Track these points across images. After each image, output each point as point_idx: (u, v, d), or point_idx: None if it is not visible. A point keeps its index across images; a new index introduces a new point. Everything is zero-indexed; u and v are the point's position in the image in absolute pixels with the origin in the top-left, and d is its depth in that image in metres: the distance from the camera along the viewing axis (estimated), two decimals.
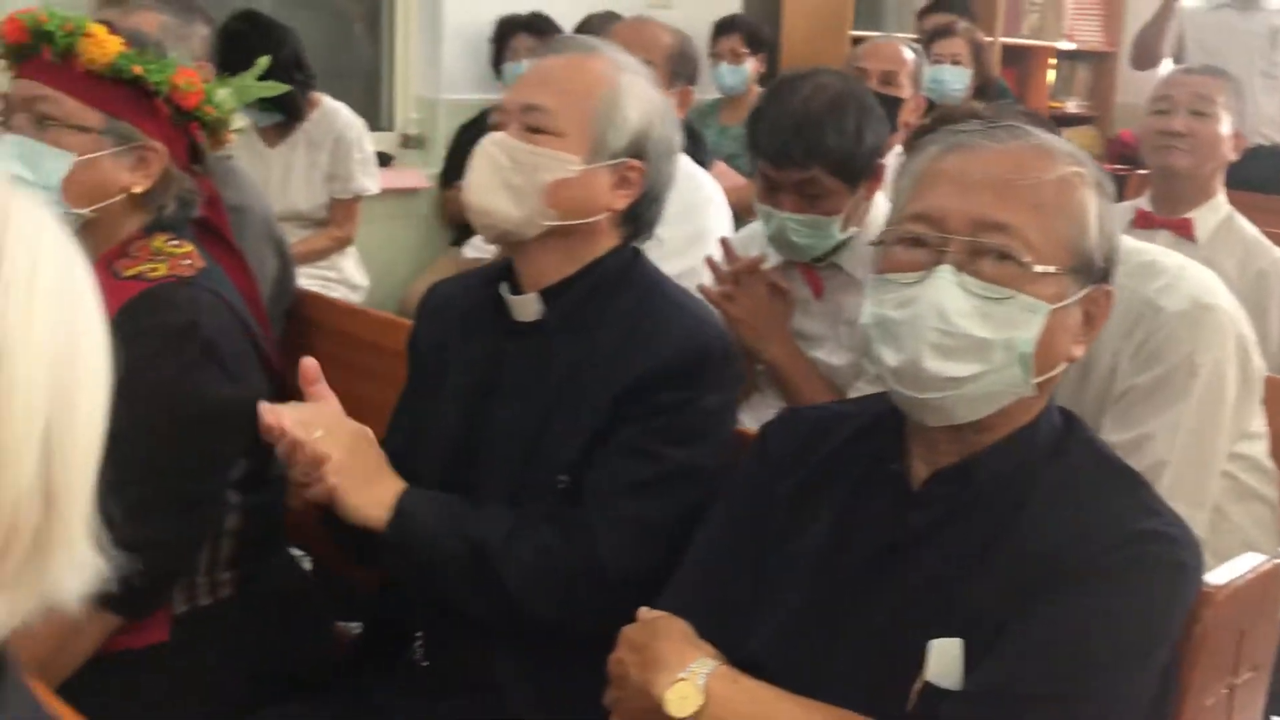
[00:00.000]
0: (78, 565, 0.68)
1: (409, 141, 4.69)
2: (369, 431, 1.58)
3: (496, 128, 1.64)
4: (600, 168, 1.60)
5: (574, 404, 1.58)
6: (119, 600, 1.52)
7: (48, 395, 0.63)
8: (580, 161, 1.59)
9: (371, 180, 3.86)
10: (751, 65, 4.58)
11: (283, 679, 1.75)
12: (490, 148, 1.61)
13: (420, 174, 4.58)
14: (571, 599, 1.51)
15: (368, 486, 1.53)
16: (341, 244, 3.85)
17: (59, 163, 1.58)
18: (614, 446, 1.55)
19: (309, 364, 1.56)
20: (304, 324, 2.41)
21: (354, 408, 1.59)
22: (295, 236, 3.43)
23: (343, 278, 3.82)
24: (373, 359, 2.15)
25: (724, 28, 4.69)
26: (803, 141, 2.05)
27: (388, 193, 4.10)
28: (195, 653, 1.68)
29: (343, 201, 3.82)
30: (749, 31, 4.67)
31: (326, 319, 2.42)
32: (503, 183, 1.59)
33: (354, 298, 3.76)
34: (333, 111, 3.81)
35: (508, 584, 1.51)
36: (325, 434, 1.50)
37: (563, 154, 1.59)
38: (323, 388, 1.57)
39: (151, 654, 1.65)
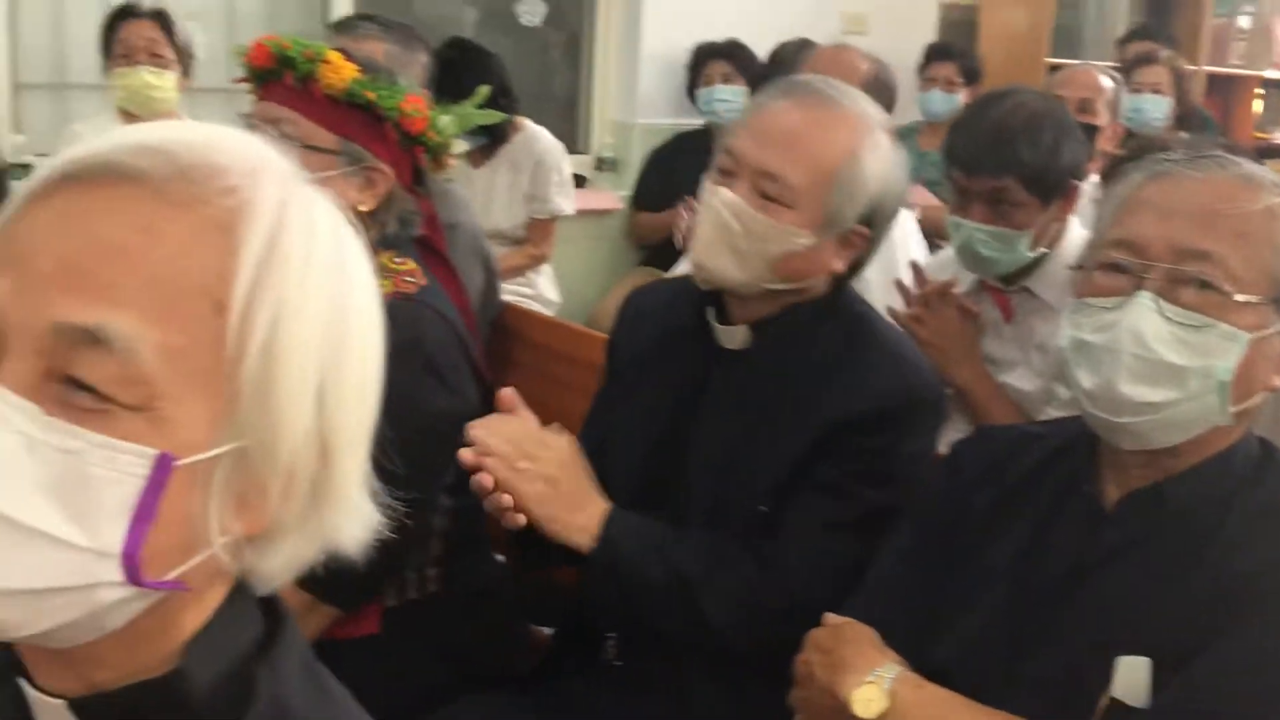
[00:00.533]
0: (354, 513, 0.76)
1: (603, 164, 4.82)
2: (575, 449, 1.61)
3: (724, 172, 1.62)
4: (830, 239, 1.60)
5: (775, 432, 1.60)
6: (337, 593, 1.65)
7: (320, 356, 0.70)
8: (811, 235, 1.58)
9: (568, 201, 3.99)
10: (964, 95, 4.55)
11: (482, 672, 1.84)
12: (721, 209, 1.58)
13: (613, 196, 4.70)
14: (766, 633, 1.53)
15: (573, 512, 1.57)
16: (538, 261, 3.99)
17: None
18: (813, 482, 1.57)
19: (507, 394, 1.61)
20: (506, 334, 2.52)
21: (549, 416, 1.64)
22: (496, 253, 3.57)
23: (537, 293, 3.95)
24: (567, 369, 2.23)
25: (938, 55, 4.68)
26: (997, 151, 2.05)
27: (582, 213, 4.23)
28: (403, 644, 1.79)
29: (540, 221, 3.96)
30: (965, 62, 4.66)
31: (526, 330, 2.52)
32: (729, 245, 1.58)
33: (547, 313, 3.89)
34: (534, 135, 3.96)
35: (707, 615, 1.55)
36: (530, 463, 1.55)
37: (795, 229, 1.57)
38: (522, 414, 1.61)
39: (363, 644, 1.75)
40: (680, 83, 4.59)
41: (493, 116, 1.98)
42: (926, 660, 1.32)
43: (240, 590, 0.76)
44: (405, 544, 1.74)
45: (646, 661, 1.68)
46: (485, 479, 1.53)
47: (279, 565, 0.74)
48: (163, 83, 3.39)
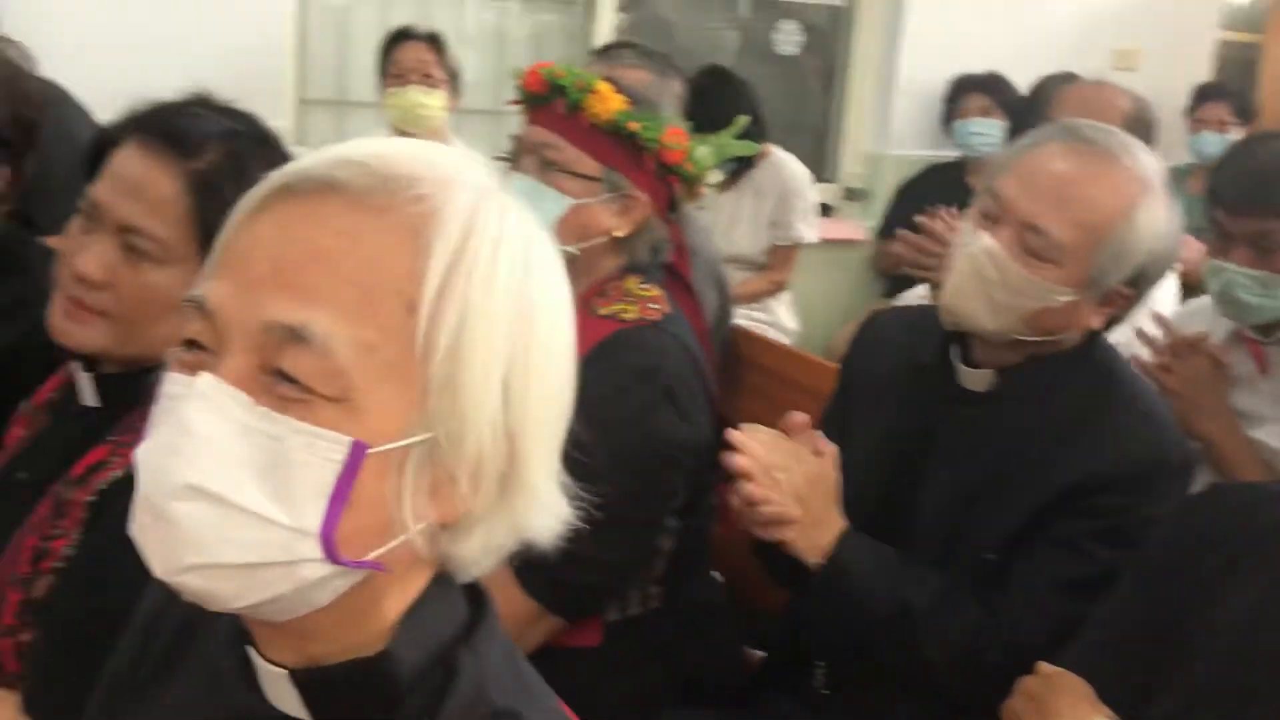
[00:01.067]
0: (543, 506, 0.80)
1: (852, 194, 4.80)
2: (827, 469, 1.61)
3: (987, 217, 1.59)
4: (1091, 297, 1.57)
5: (1013, 481, 1.57)
6: (564, 605, 1.71)
7: (505, 354, 0.75)
8: (1073, 294, 1.55)
9: (811, 229, 4.00)
10: (1236, 134, 4.33)
11: (695, 687, 1.87)
12: (981, 257, 1.56)
13: (859, 226, 4.67)
14: (981, 679, 1.51)
15: (811, 530, 1.57)
16: (777, 288, 4.01)
17: (556, 204, 1.74)
18: (1048, 537, 1.54)
19: (798, 418, 1.61)
20: (736, 358, 2.55)
21: None
22: (735, 278, 3.60)
23: (774, 320, 3.97)
24: (798, 396, 2.23)
25: (1210, 94, 4.48)
26: (1264, 191, 1.96)
27: (826, 242, 4.23)
28: (622, 656, 1.83)
29: (782, 248, 3.98)
30: (1238, 101, 4.44)
31: (756, 355, 2.55)
32: (985, 294, 1.56)
33: (783, 341, 3.90)
34: (781, 162, 3.99)
35: (927, 652, 1.55)
36: (784, 474, 1.56)
37: (1056, 286, 1.54)
38: (808, 437, 1.61)
39: (585, 654, 1.80)
40: (935, 114, 4.53)
41: (749, 148, 2.00)
42: (1140, 718, 1.28)
43: (444, 578, 0.82)
44: (633, 563, 1.79)
45: (854, 693, 1.68)
46: (755, 490, 1.54)
47: (475, 553, 0.80)
48: (432, 101, 3.58)
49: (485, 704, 0.79)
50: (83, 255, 1.33)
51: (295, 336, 0.72)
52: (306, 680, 0.79)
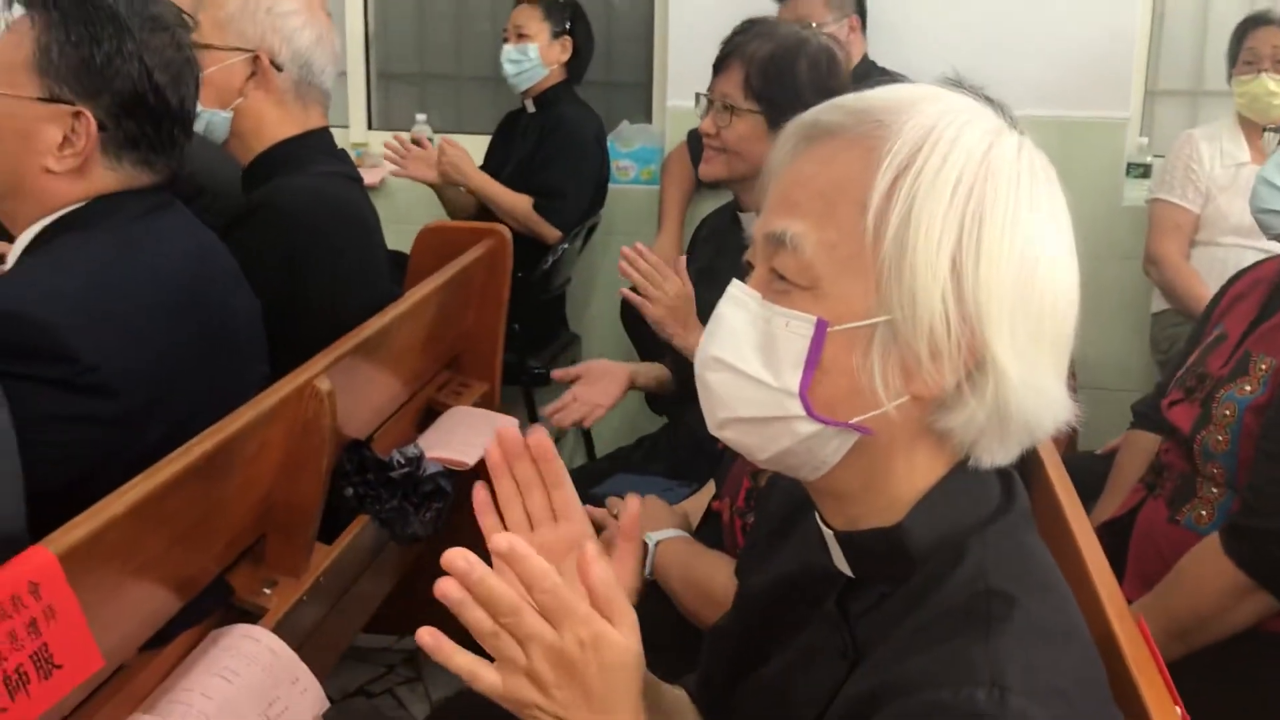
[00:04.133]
0: (1035, 399, 0.91)
1: None
2: None
3: None
4: None
5: None
6: (1276, 579, 1.65)
7: (952, 242, 0.88)
8: None
9: None
10: None
11: None
12: None
13: None
14: None
15: None
16: None
17: None
18: None
19: None
20: None
21: None
22: None
23: None
24: None
25: None
26: None
27: None
28: None
29: None
30: None
31: None
32: None
33: None
34: None
35: None
36: None
37: None
38: None
39: None
40: None
41: None
42: None
43: (968, 468, 0.94)
44: None
45: None
46: None
47: (971, 435, 0.92)
48: None
49: (982, 583, 0.89)
50: None
51: (779, 241, 0.93)
52: (846, 540, 0.97)
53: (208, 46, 2.03)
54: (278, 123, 2.14)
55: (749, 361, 0.93)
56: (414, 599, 2.48)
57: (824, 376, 0.91)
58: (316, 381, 1.72)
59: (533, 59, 3.71)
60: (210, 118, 2.09)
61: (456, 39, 4.34)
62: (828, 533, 0.99)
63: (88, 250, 1.54)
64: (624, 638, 0.91)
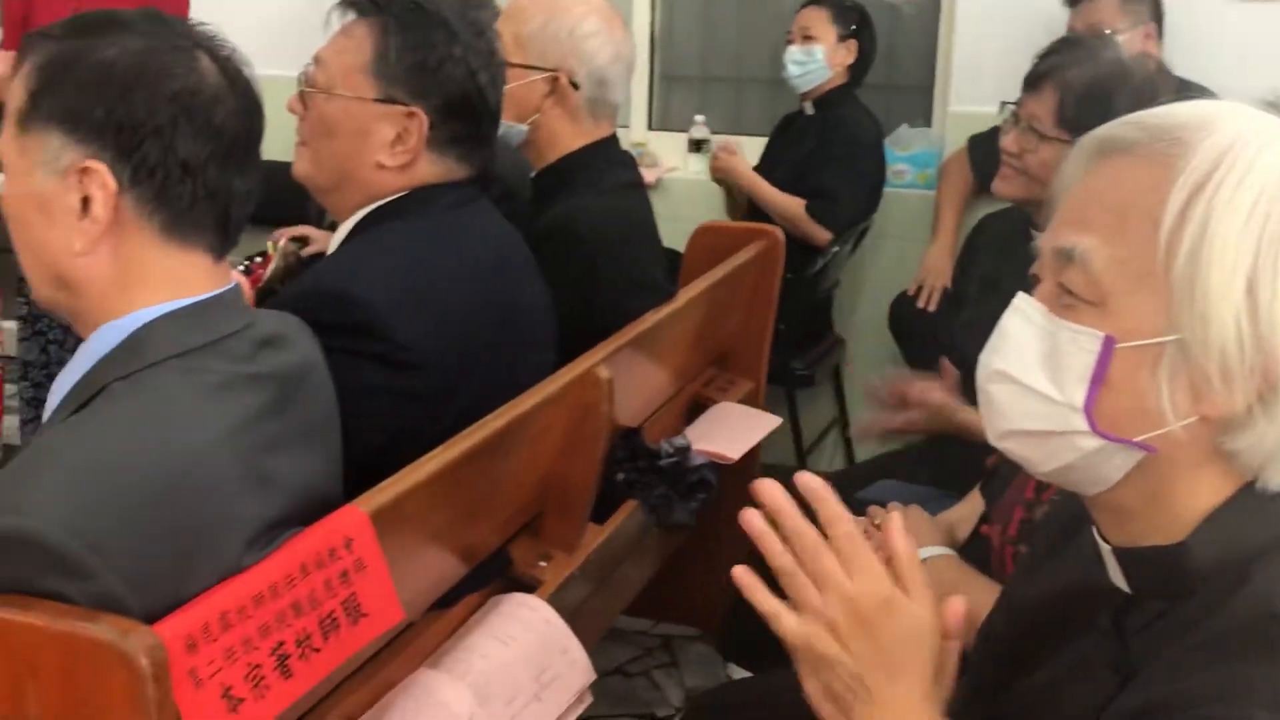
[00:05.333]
0: None
1: None
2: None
3: None
4: None
5: None
6: None
7: (1249, 263, 0.86)
8: None
9: None
10: None
11: None
12: None
13: None
14: None
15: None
16: None
17: None
18: None
19: None
20: None
21: None
22: None
23: None
24: None
25: None
26: None
27: None
28: None
29: None
30: None
31: None
32: None
33: None
34: None
35: None
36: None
37: None
38: None
39: None
40: None
41: None
42: None
43: (1256, 490, 0.92)
44: None
45: None
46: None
47: (1260, 459, 0.90)
48: None
49: (1270, 606, 0.87)
50: None
51: (1067, 256, 0.94)
52: (1125, 556, 0.97)
53: (509, 65, 2.12)
54: (571, 136, 2.24)
55: (1033, 375, 0.95)
56: (672, 586, 2.58)
57: (1109, 393, 0.92)
58: (597, 369, 1.81)
59: (818, 61, 3.71)
60: (507, 130, 2.17)
61: (739, 41, 4.40)
62: (1105, 548, 0.99)
63: (405, 237, 1.67)
64: (920, 607, 0.96)
